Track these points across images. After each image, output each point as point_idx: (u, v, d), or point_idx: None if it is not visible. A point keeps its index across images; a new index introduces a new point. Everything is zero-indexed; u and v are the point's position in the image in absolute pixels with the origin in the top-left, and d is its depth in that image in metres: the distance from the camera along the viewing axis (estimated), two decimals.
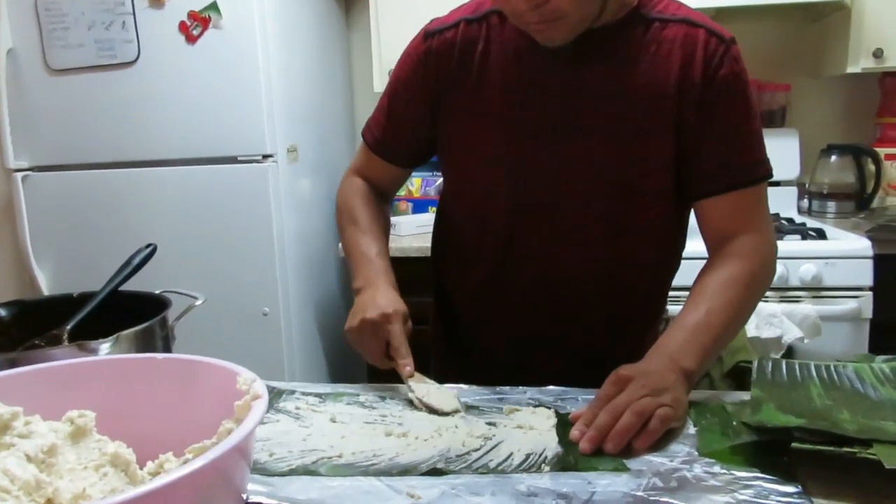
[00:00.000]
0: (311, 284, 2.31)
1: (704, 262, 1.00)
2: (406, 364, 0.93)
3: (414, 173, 1.99)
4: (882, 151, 2.37)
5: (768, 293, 1.96)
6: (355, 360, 2.62)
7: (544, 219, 1.01)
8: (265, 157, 2.05)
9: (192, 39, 2.00)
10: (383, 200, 1.18)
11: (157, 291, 0.99)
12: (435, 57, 1.02)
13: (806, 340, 1.88)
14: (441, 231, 1.18)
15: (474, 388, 0.95)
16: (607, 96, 0.96)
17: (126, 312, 0.95)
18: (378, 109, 1.12)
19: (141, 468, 0.61)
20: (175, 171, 2.08)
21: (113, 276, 0.98)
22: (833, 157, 2.40)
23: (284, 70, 2.12)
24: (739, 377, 1.86)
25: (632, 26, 0.95)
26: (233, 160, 2.05)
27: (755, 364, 0.86)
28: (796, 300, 1.96)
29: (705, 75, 0.93)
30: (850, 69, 2.21)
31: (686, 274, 1.07)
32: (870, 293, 1.93)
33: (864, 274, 1.94)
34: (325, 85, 2.49)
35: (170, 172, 2.08)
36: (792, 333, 1.88)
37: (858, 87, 2.50)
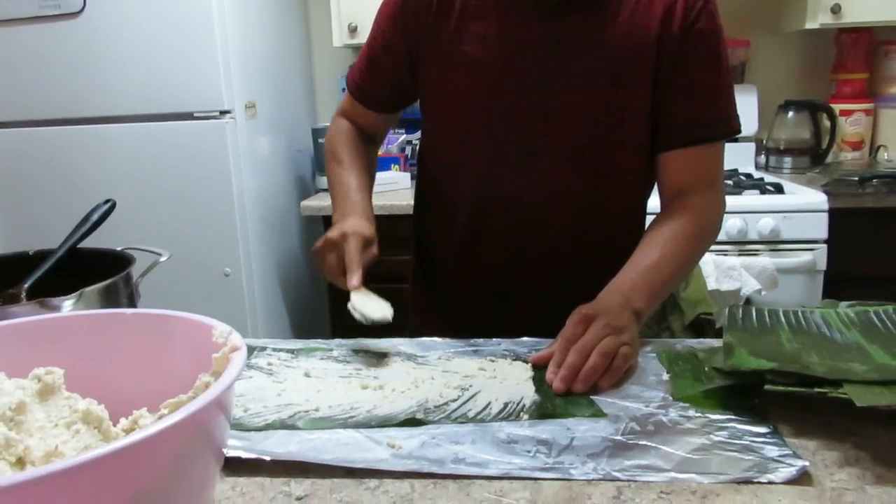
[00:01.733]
0: (273, 243, 2.27)
1: None
2: (352, 277, 0.92)
3: None
4: (837, 107, 2.42)
5: (727, 247, 2.02)
6: (319, 319, 2.60)
7: (522, 167, 1.01)
8: (222, 113, 1.99)
9: None
10: (370, 141, 1.19)
11: (118, 248, 0.95)
12: (413, 5, 1.02)
13: (763, 292, 1.93)
14: (420, 185, 1.18)
15: (448, 340, 0.95)
16: (587, 46, 0.95)
17: (86, 270, 0.92)
18: (360, 56, 1.13)
19: (114, 426, 0.59)
20: (128, 128, 2.00)
21: (71, 233, 0.94)
22: (790, 113, 2.44)
23: (240, 22, 2.04)
24: (700, 329, 1.91)
25: None
26: (188, 116, 1.99)
27: (726, 311, 0.87)
28: (754, 253, 2.01)
29: (683, 27, 0.94)
30: (809, 25, 2.24)
31: None
32: (824, 246, 1.99)
33: (819, 227, 1.99)
34: (282, 39, 2.42)
35: (122, 129, 2.01)
36: (750, 286, 1.93)
37: (815, 44, 2.54)
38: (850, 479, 0.60)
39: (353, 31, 2.30)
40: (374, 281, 2.31)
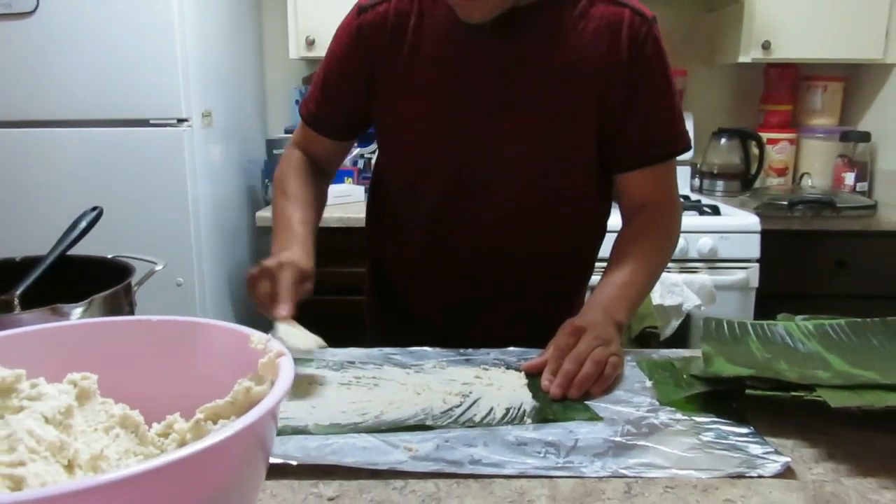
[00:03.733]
0: (226, 254, 2.25)
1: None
2: (281, 307, 0.90)
3: None
4: (765, 136, 2.60)
5: (671, 264, 2.13)
6: (270, 331, 2.58)
7: (478, 190, 1.05)
8: (180, 121, 1.96)
9: None
10: (321, 174, 1.17)
11: (108, 255, 0.95)
12: (368, 31, 1.04)
13: (703, 307, 2.05)
14: (376, 203, 1.20)
15: (439, 349, 0.98)
16: (538, 71, 1.00)
17: (72, 278, 0.91)
18: (314, 84, 1.12)
19: (149, 430, 0.60)
20: (80, 133, 1.95)
21: (59, 240, 0.93)
22: (723, 140, 2.60)
23: (199, 30, 2.03)
24: (645, 342, 2.01)
25: (561, 3, 1.00)
26: (144, 123, 1.95)
27: (702, 323, 0.95)
28: (694, 271, 2.13)
29: (631, 53, 0.99)
30: (742, 59, 2.40)
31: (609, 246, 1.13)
32: (756, 265, 2.13)
33: (752, 247, 2.13)
34: (238, 48, 2.41)
35: (75, 134, 1.95)
36: (691, 301, 2.04)
37: (746, 76, 2.72)
38: (827, 473, 0.67)
39: (310, 43, 2.31)
40: (329, 293, 2.31)
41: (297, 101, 2.62)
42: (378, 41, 1.03)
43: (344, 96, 1.09)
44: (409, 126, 1.06)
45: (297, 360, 0.91)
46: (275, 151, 2.41)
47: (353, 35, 1.05)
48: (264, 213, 2.26)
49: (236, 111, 2.36)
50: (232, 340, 0.63)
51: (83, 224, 0.95)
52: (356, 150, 2.55)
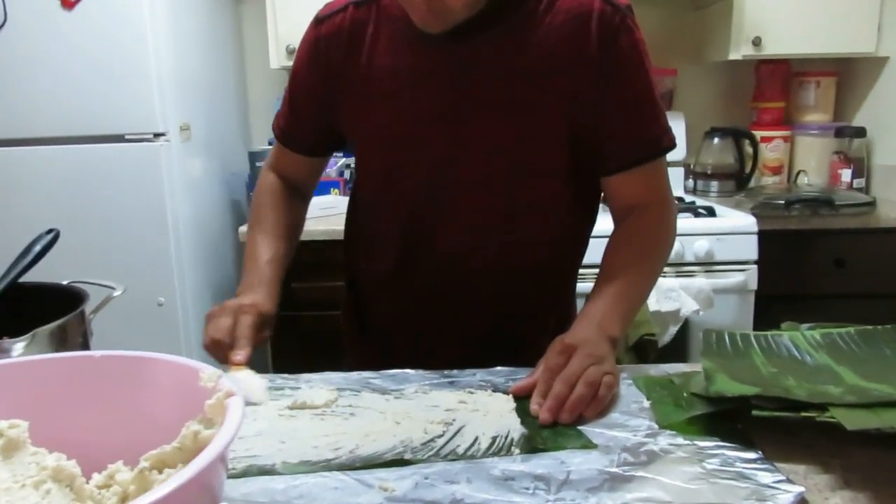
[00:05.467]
0: (208, 272, 2.18)
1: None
2: (238, 352, 0.88)
3: None
4: (758, 134, 2.55)
5: (666, 269, 2.07)
6: (257, 351, 2.51)
7: (443, 201, 1.00)
8: (156, 135, 1.91)
9: (68, 4, 1.82)
10: (298, 197, 1.14)
11: (64, 282, 0.88)
12: (325, 42, 1.00)
13: (701, 313, 2.00)
14: (351, 214, 1.16)
15: (422, 372, 0.92)
16: (499, 72, 0.94)
17: (27, 307, 0.85)
18: (283, 100, 1.10)
19: (87, 482, 0.54)
20: (53, 151, 1.89)
21: (11, 266, 0.87)
22: (715, 140, 2.55)
23: (174, 41, 1.97)
24: (642, 350, 1.95)
25: None
26: (120, 139, 1.90)
27: (701, 336, 0.89)
28: (691, 275, 2.07)
29: (602, 47, 0.91)
30: (732, 56, 2.35)
31: (596, 251, 1.06)
32: (755, 266, 2.08)
33: (749, 249, 2.08)
34: (216, 59, 2.35)
35: (48, 152, 1.89)
36: (689, 306, 1.98)
37: (737, 74, 2.67)
38: (846, 503, 0.61)
39: (291, 52, 2.26)
40: (314, 308, 2.25)
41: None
42: (335, 52, 0.99)
43: (310, 113, 1.06)
44: (372, 138, 1.02)
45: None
46: (257, 164, 2.35)
47: (312, 48, 1.02)
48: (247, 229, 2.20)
49: (216, 124, 2.30)
50: (181, 377, 0.57)
51: (37, 248, 0.89)
52: (342, 161, 2.49)
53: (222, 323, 0.89)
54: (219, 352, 0.89)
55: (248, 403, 0.78)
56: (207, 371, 0.56)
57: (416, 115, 0.96)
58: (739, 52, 2.33)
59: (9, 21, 1.82)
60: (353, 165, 2.46)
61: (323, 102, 1.03)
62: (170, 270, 1.96)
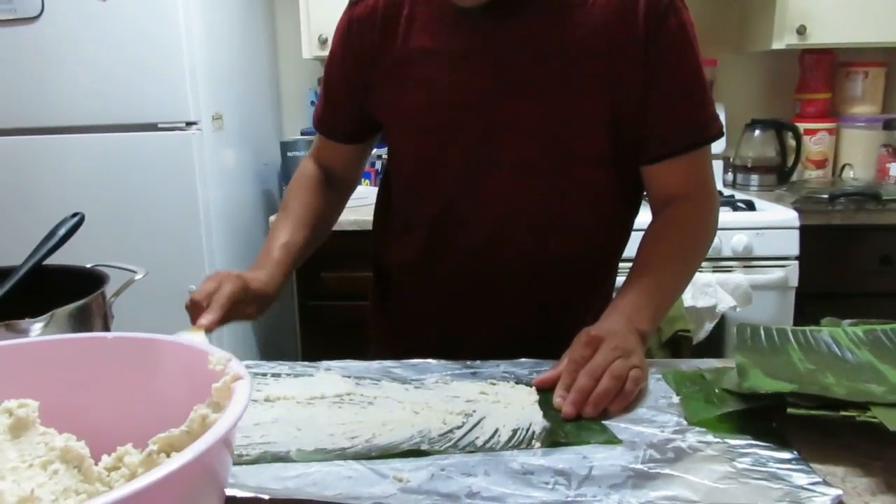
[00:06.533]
0: (239, 262, 2.19)
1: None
2: (205, 315, 0.83)
3: None
4: (801, 126, 2.46)
5: (703, 263, 2.02)
6: (286, 340, 2.52)
7: (479, 186, 0.97)
8: (189, 124, 1.91)
9: None
10: (335, 188, 1.12)
11: (87, 265, 0.89)
12: (358, 25, 0.98)
13: (738, 309, 1.94)
14: (382, 202, 1.13)
15: (444, 362, 0.90)
16: (539, 53, 0.90)
17: (52, 289, 0.85)
18: (322, 89, 1.09)
19: (95, 463, 0.53)
20: (88, 139, 1.91)
21: (36, 249, 0.87)
22: (756, 132, 2.47)
23: (207, 31, 1.98)
24: (676, 346, 1.90)
25: None
26: (153, 127, 1.91)
27: (735, 331, 0.85)
28: (728, 270, 2.01)
29: (649, 28, 0.87)
30: (775, 45, 2.27)
31: (636, 244, 1.02)
32: (796, 262, 2.01)
33: (790, 244, 2.01)
34: (249, 49, 2.36)
35: (81, 140, 1.91)
36: (725, 302, 1.93)
37: (780, 64, 2.58)
38: None
39: (323, 42, 2.25)
40: (343, 298, 2.24)
41: (312, 102, 2.56)
42: (369, 35, 0.97)
43: (345, 97, 1.04)
44: (408, 122, 0.99)
45: (276, 376, 0.84)
46: (289, 154, 2.35)
47: (345, 31, 1.01)
48: None
49: (249, 113, 2.31)
50: (191, 360, 0.56)
51: (62, 231, 0.89)
52: (374, 151, 2.48)
53: (206, 286, 0.87)
54: (194, 312, 0.85)
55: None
56: (216, 354, 0.54)
57: (452, 98, 0.94)
58: (783, 41, 2.25)
59: (45, 12, 1.84)
60: (384, 156, 2.46)
61: (357, 87, 1.01)
62: (201, 259, 1.97)
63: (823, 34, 2.22)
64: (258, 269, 0.96)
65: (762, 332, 0.84)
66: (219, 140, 2.04)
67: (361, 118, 1.05)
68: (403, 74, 0.96)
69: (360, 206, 2.24)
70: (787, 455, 0.65)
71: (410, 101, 0.97)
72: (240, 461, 0.66)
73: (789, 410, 0.67)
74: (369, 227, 1.14)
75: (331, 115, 1.08)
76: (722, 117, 2.43)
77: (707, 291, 1.93)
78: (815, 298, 2.01)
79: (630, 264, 0.97)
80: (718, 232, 1.97)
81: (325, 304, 2.20)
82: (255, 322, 2.27)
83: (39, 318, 0.71)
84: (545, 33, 0.90)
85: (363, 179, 2.41)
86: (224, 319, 0.84)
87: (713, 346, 1.97)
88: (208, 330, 0.82)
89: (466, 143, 0.95)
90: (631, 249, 1.04)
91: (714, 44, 2.54)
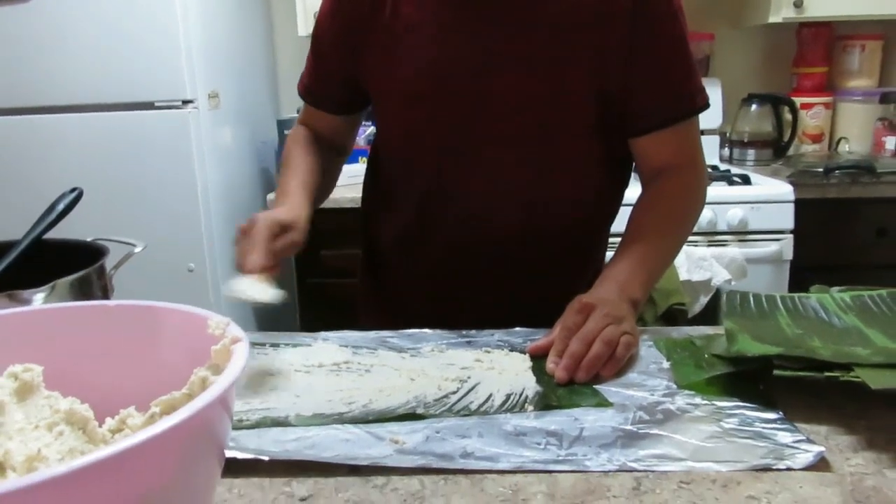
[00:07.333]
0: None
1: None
2: (249, 262, 0.80)
3: None
4: (798, 101, 2.46)
5: (698, 238, 2.03)
6: (286, 317, 2.54)
7: (467, 159, 0.98)
8: (185, 102, 1.91)
9: None
10: (332, 150, 1.11)
11: (88, 239, 0.90)
12: None
13: (733, 283, 1.95)
14: (370, 176, 1.14)
15: (439, 331, 0.92)
16: (526, 24, 0.91)
17: (51, 263, 0.86)
18: (307, 58, 1.07)
19: (99, 425, 0.55)
20: (84, 118, 1.91)
21: (35, 223, 0.88)
22: (753, 106, 2.47)
23: (202, 8, 1.97)
24: (672, 320, 1.92)
25: None
26: (149, 106, 1.91)
27: (724, 297, 0.86)
28: (723, 244, 2.03)
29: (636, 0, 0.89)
30: (773, 19, 2.27)
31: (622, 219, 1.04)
32: (791, 236, 2.02)
33: (785, 217, 2.02)
34: (244, 27, 2.35)
35: (78, 119, 1.91)
36: (720, 276, 1.94)
37: (777, 37, 2.58)
38: (868, 464, 0.59)
39: None
40: (342, 276, 2.25)
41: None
42: (359, 7, 0.97)
43: (334, 67, 1.03)
44: (393, 92, 0.99)
45: (275, 346, 0.86)
46: (286, 132, 2.35)
47: (335, 2, 1.00)
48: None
49: (245, 92, 2.31)
50: (191, 325, 0.57)
51: (61, 206, 0.90)
52: (370, 129, 2.48)
53: (241, 246, 0.84)
54: (242, 260, 0.82)
55: (256, 303, 0.77)
56: (215, 319, 0.56)
57: (440, 70, 0.94)
58: (780, 14, 2.24)
59: None
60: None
61: (347, 55, 1.00)
62: (199, 237, 1.98)
63: (820, 7, 2.22)
64: (280, 205, 0.93)
65: (751, 299, 0.86)
66: (215, 118, 2.04)
67: (352, 87, 1.04)
68: (391, 45, 0.96)
69: (359, 184, 2.25)
70: (772, 415, 0.67)
71: (398, 71, 0.96)
72: (239, 426, 0.67)
73: (776, 373, 0.69)
74: None
75: (321, 85, 1.06)
76: (718, 92, 2.45)
77: (702, 265, 1.95)
78: (810, 272, 2.01)
79: (620, 238, 0.98)
80: (714, 206, 2.01)
81: (324, 282, 2.21)
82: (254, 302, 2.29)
83: (41, 288, 0.72)
84: (533, 6, 0.90)
85: (361, 157, 2.41)
86: (271, 257, 0.82)
87: (707, 319, 1.99)
88: (262, 271, 0.80)
89: (455, 114, 0.96)
90: (620, 224, 1.05)
91: (712, 18, 2.53)
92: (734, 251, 1.98)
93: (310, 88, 1.08)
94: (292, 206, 0.92)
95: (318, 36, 1.04)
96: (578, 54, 0.91)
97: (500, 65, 0.92)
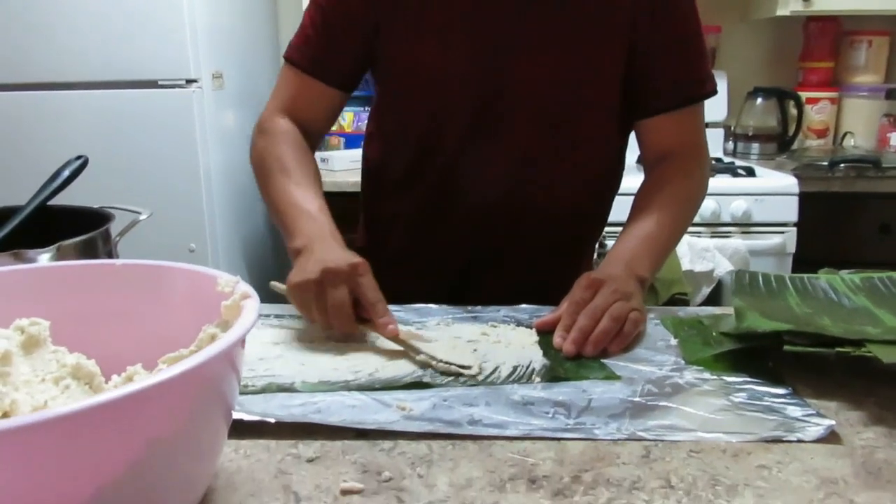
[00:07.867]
0: (239, 220, 2.19)
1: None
2: (388, 322, 0.77)
3: (346, 108, 1.89)
4: (804, 95, 2.45)
5: (701, 228, 2.03)
6: (285, 299, 2.53)
7: (493, 137, 0.97)
8: (189, 82, 1.90)
9: None
10: (312, 144, 1.03)
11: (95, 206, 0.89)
12: None
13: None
14: (375, 156, 1.09)
15: (445, 306, 0.91)
16: (559, 6, 0.92)
17: (58, 229, 0.85)
18: (306, 27, 0.99)
19: (106, 382, 0.54)
20: (88, 95, 1.90)
21: (41, 189, 0.88)
22: (758, 100, 2.46)
23: None
24: None
25: None
26: (153, 84, 1.89)
27: (733, 276, 0.86)
28: (727, 235, 2.02)
29: None
30: (780, 12, 2.26)
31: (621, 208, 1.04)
32: (794, 229, 2.02)
33: (789, 210, 2.02)
34: (249, 8, 2.33)
35: (82, 96, 1.90)
36: (723, 267, 1.94)
37: (784, 31, 2.57)
38: (878, 438, 0.59)
39: None
40: None
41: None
42: None
43: (349, 39, 0.97)
44: (420, 72, 0.97)
45: (280, 317, 0.85)
46: None
47: None
48: None
49: (249, 73, 2.29)
50: (199, 284, 0.57)
51: (66, 173, 0.90)
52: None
53: (339, 294, 0.77)
54: (347, 324, 0.78)
55: (464, 368, 0.71)
56: (225, 277, 0.55)
57: (471, 50, 0.93)
58: (787, 7, 2.24)
59: None
60: None
61: (364, 34, 0.96)
62: (201, 217, 1.97)
63: (828, 1, 2.21)
64: (328, 242, 0.84)
65: (760, 278, 0.85)
66: (219, 99, 2.03)
67: (363, 60, 1.00)
68: (420, 25, 0.94)
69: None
70: (782, 391, 0.66)
71: (424, 49, 0.95)
72: (245, 391, 0.67)
73: (785, 348, 0.68)
74: None
75: (329, 55, 0.97)
76: (724, 85, 2.44)
77: (705, 256, 1.94)
78: (813, 265, 2.00)
79: (616, 229, 0.99)
80: (718, 197, 2.00)
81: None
82: (254, 283, 2.28)
83: (46, 248, 0.72)
84: None
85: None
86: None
87: None
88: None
89: (481, 94, 0.95)
90: (616, 215, 1.08)
91: (719, 10, 2.52)
92: (737, 243, 1.98)
93: (317, 59, 0.97)
94: (335, 247, 0.84)
95: (326, 6, 0.97)
96: (609, 35, 0.93)
97: (533, 45, 0.93)
